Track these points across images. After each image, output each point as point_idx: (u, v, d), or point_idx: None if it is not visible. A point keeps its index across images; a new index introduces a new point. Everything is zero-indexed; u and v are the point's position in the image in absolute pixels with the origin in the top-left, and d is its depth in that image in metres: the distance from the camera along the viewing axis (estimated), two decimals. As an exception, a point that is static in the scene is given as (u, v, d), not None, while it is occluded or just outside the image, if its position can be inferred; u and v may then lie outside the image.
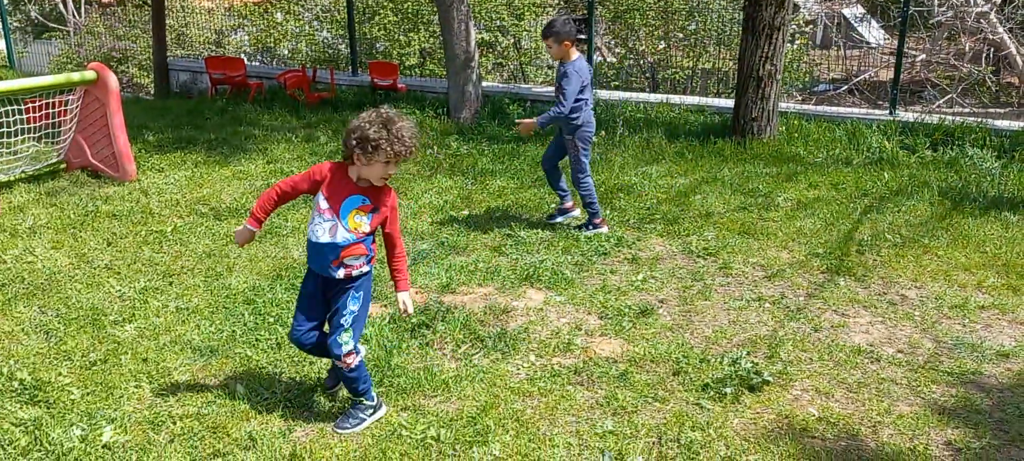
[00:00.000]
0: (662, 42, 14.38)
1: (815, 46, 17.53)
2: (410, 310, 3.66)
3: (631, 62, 14.58)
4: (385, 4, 15.29)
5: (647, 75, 14.43)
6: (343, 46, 15.32)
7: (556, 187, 6.44)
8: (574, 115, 5.95)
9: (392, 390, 3.99)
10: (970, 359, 4.31)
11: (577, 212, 6.47)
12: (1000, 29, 13.13)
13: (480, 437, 3.60)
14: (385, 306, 4.98)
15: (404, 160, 3.39)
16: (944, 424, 3.73)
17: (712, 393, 3.96)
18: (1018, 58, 13.20)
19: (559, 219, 6.44)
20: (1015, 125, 8.48)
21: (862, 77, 14.16)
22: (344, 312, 3.54)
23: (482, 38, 15.15)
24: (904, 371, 4.20)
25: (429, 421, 3.73)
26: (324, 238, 3.41)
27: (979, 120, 8.67)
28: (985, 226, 6.18)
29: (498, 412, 3.81)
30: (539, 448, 3.55)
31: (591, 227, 6.23)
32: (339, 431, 3.65)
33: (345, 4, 13.24)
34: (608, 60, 15.23)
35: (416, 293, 5.19)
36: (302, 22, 16.81)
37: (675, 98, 10.31)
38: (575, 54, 5.91)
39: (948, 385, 4.07)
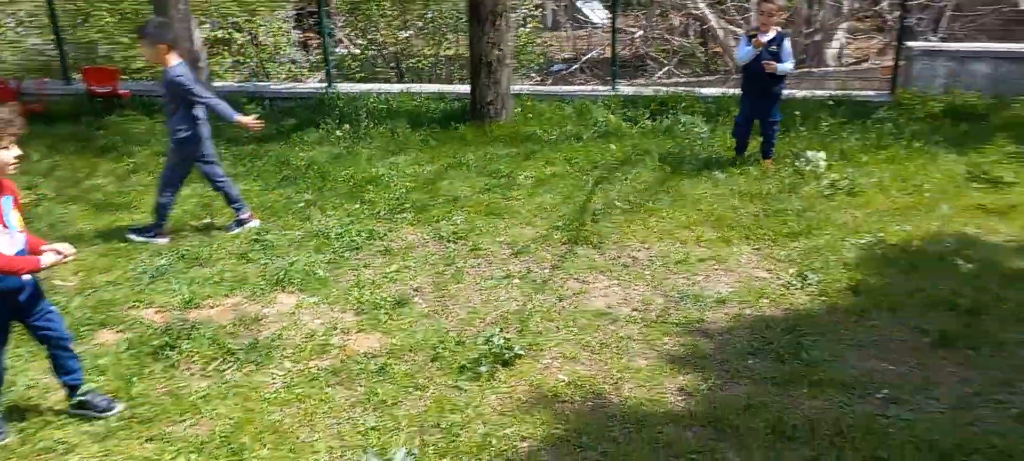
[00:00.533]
0: (403, 31, 14.43)
1: (547, 28, 18.46)
2: (72, 250, 3.59)
3: (374, 53, 14.49)
4: (100, 4, 14.02)
5: (391, 65, 14.43)
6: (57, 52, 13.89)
7: (231, 200, 6.22)
8: (183, 128, 5.80)
9: (134, 422, 3.72)
10: (694, 309, 4.77)
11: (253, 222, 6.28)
12: (701, 4, 14.52)
13: (235, 456, 3.46)
14: (121, 331, 4.62)
15: (18, 136, 3.39)
16: (676, 372, 4.11)
17: (469, 374, 4.08)
18: (718, 30, 14.68)
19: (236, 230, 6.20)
20: (718, 92, 9.44)
21: (590, 55, 15.10)
22: (49, 303, 3.71)
23: (215, 35, 14.38)
24: (639, 327, 4.57)
25: (178, 449, 3.53)
26: (10, 250, 3.40)
27: (688, 89, 9.55)
28: (699, 186, 6.84)
29: (254, 426, 3.68)
30: (300, 457, 3.48)
31: (147, 234, 6.01)
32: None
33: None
34: (351, 52, 15.04)
35: (156, 313, 4.86)
36: (4, 28, 15.00)
37: (416, 87, 10.41)
38: (174, 58, 5.74)
39: (677, 336, 4.48)
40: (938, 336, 4.31)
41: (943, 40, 13.87)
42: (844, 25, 16.32)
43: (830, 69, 14.89)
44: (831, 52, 15.77)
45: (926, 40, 14.02)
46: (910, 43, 9.24)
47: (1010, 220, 5.83)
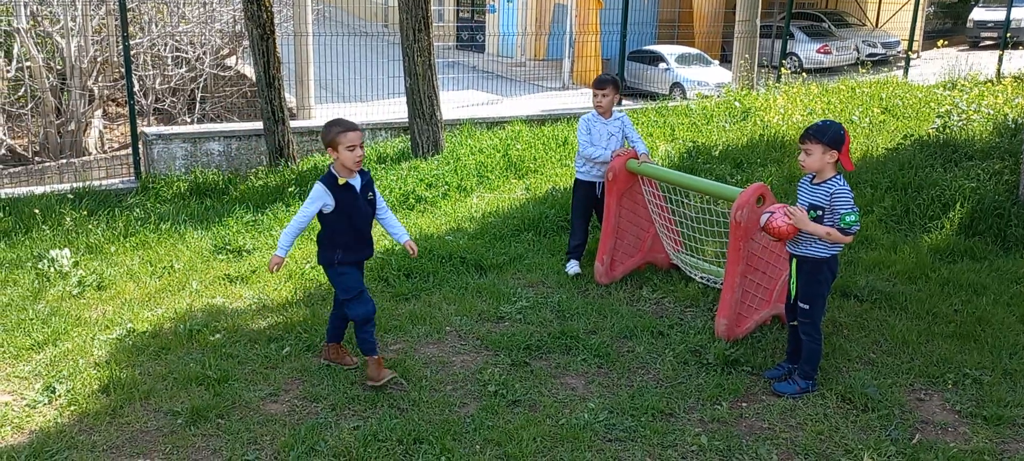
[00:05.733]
0: None
1: None
2: None
3: None
4: None
5: None
6: None
7: None
8: None
9: None
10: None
11: None
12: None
13: None
14: None
15: None
16: None
17: None
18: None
19: None
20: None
21: None
22: None
23: None
24: None
25: None
26: None
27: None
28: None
29: None
30: None
31: None
32: None
33: None
34: None
35: None
36: None
37: None
38: None
39: None
40: (190, 414, 4.36)
41: (200, 121, 14.63)
42: (98, 111, 15.96)
43: (92, 158, 14.39)
44: (92, 140, 15.27)
45: (184, 122, 14.60)
46: (145, 128, 9.44)
47: (251, 284, 6.31)
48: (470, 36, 25.92)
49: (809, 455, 3.97)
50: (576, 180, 6.31)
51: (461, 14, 28.16)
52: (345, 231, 4.50)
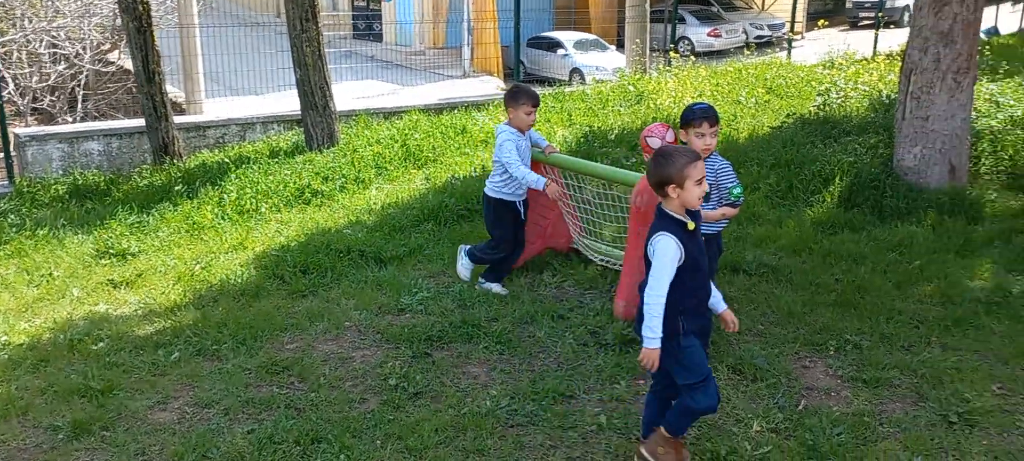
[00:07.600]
0: None
1: None
2: None
3: None
4: None
5: None
6: None
7: None
8: None
9: None
10: None
11: None
12: None
13: None
14: None
15: None
16: None
17: None
18: None
19: None
20: None
21: None
22: None
23: None
24: None
25: None
26: None
27: None
28: None
29: None
30: None
31: None
32: None
33: None
34: None
35: None
36: None
37: None
38: None
39: None
40: (71, 429, 4.15)
41: (83, 120, 13.93)
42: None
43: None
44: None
45: (65, 121, 13.87)
46: (17, 130, 8.94)
47: (137, 288, 6.06)
48: (367, 25, 25.55)
49: (702, 426, 4.08)
50: (499, 201, 5.60)
51: (356, 3, 27.72)
52: (694, 289, 3.46)
